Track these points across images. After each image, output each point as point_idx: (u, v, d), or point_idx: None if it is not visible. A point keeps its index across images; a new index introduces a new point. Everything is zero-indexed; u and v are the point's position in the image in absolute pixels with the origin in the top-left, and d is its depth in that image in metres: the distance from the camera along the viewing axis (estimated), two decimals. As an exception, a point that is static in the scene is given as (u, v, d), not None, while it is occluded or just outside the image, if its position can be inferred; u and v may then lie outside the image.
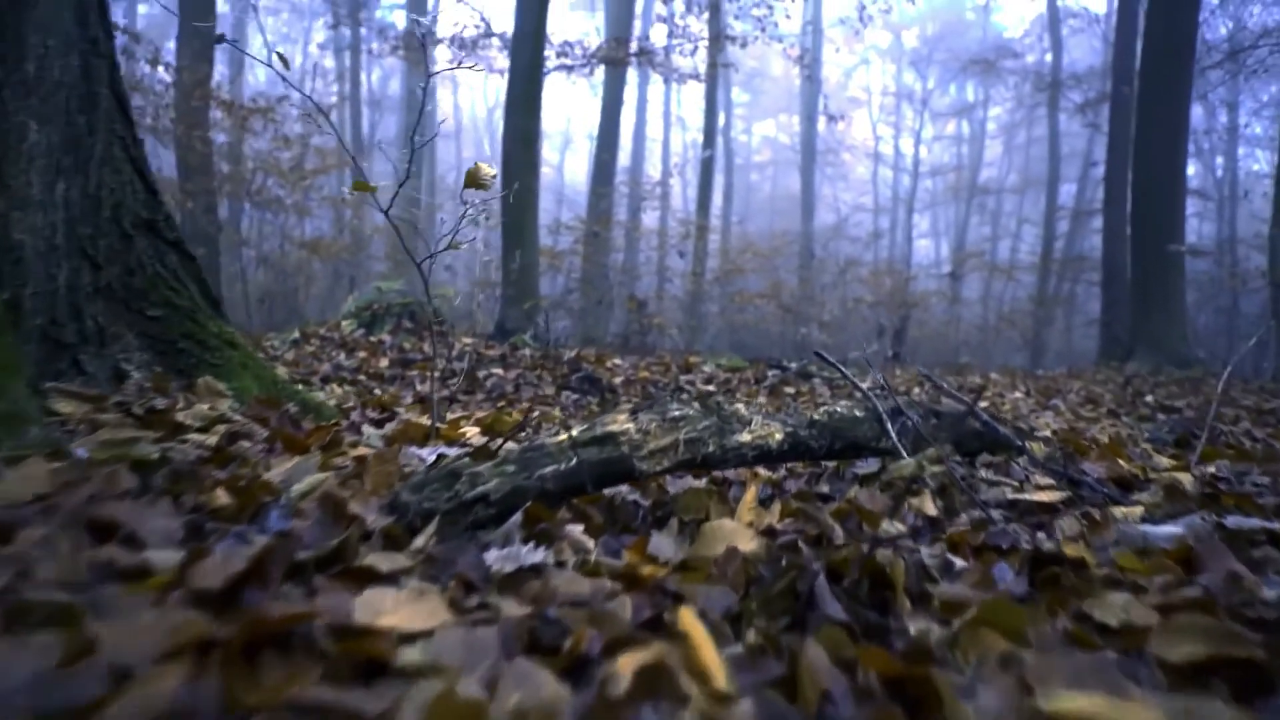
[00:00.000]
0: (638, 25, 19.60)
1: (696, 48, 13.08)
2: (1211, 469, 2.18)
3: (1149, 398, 6.65)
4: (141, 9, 28.76)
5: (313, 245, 15.42)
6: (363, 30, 21.88)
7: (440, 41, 15.09)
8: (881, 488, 1.50)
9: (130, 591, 0.78)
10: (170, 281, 1.87)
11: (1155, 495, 1.72)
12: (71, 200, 1.68)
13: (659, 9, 13.48)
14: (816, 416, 1.51)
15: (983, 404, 4.55)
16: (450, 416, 2.62)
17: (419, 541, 1.03)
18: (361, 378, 5.14)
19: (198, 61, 12.13)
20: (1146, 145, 12.23)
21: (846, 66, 38.30)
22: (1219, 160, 29.64)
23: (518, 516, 1.10)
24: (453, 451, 1.74)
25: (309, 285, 17.52)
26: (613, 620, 0.85)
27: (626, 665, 0.67)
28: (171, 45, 13.27)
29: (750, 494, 1.32)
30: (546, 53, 13.48)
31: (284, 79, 2.00)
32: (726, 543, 1.07)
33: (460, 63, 15.12)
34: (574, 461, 1.21)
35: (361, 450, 1.64)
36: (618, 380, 5.46)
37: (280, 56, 1.85)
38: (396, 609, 0.79)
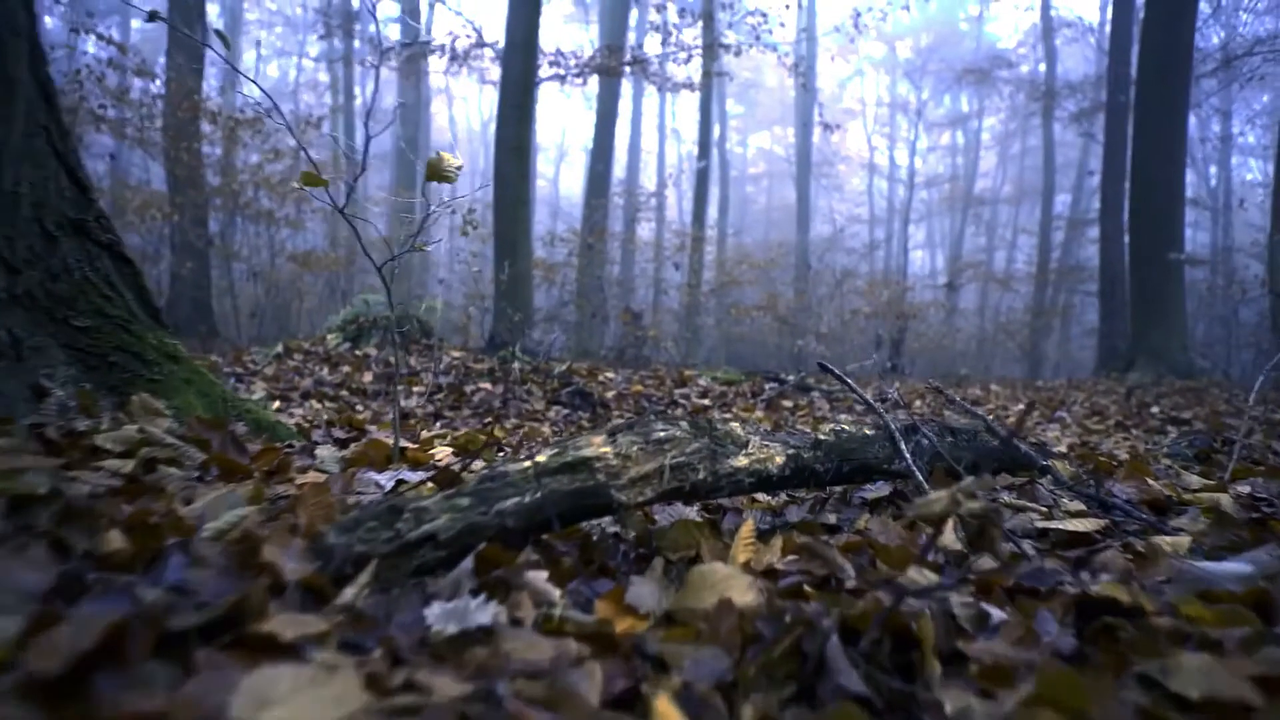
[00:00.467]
0: (631, 37, 19.53)
1: (690, 56, 12.97)
2: (1246, 488, 2.01)
3: (1155, 409, 6.49)
4: (135, 24, 28.71)
5: (304, 258, 15.24)
6: (355, 43, 21.80)
7: (433, 52, 14.97)
8: (905, 524, 1.33)
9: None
10: (102, 288, 1.70)
11: (1197, 521, 1.54)
12: (-20, 198, 1.51)
13: (653, 17, 13.36)
14: (822, 436, 1.34)
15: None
16: (426, 434, 2.44)
17: (347, 594, 0.85)
18: (344, 393, 4.96)
19: (185, 73, 11.99)
20: (1144, 154, 12.14)
21: (841, 78, 38.36)
22: (1213, 170, 29.66)
23: (468, 562, 0.92)
24: (416, 476, 1.56)
25: (302, 299, 17.34)
26: (574, 701, 0.67)
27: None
28: (163, 60, 13.15)
29: (747, 528, 1.14)
30: (539, 62, 13.37)
31: (232, 67, 1.83)
32: (719, 592, 0.89)
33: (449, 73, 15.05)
34: (540, 493, 1.04)
35: (310, 476, 1.46)
36: (610, 395, 5.28)
37: (220, 35, 1.68)
38: (292, 695, 0.62)
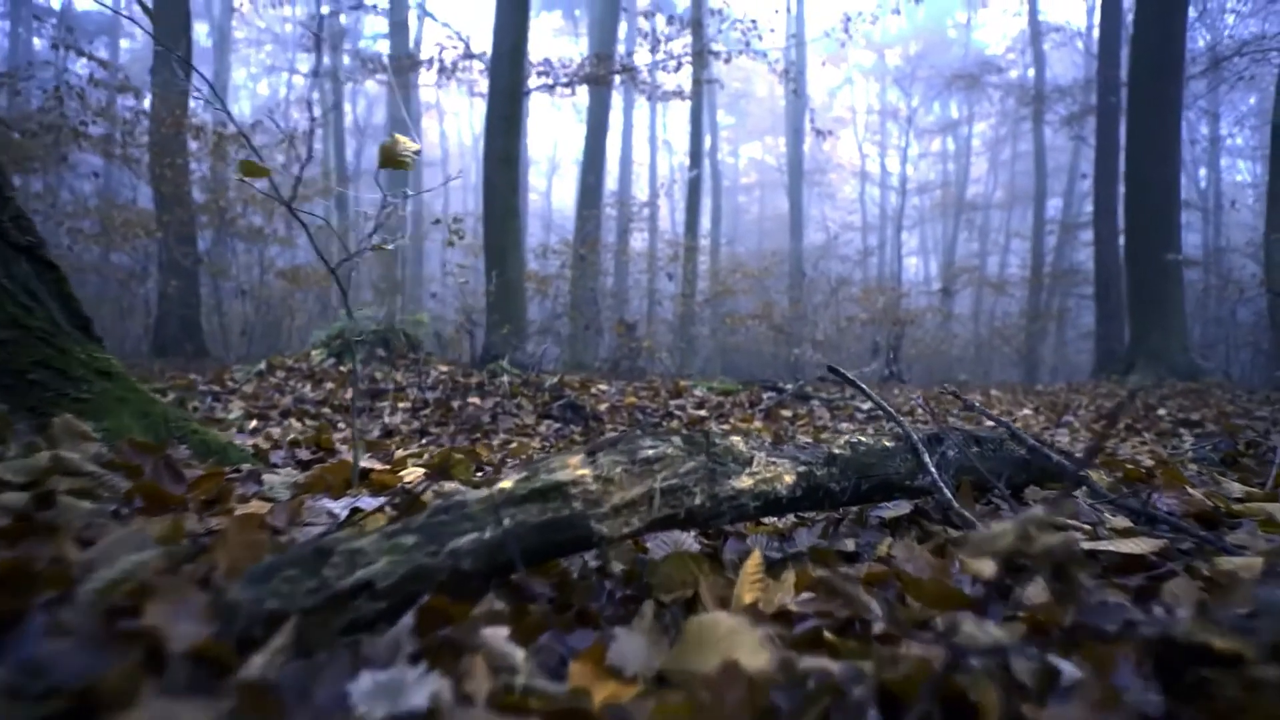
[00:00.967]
0: (621, 49, 19.45)
1: (680, 64, 12.86)
2: (1293, 496, 1.84)
3: (1161, 411, 6.33)
4: (124, 43, 28.61)
5: (292, 274, 15.06)
6: (345, 59, 21.72)
7: (420, 64, 14.85)
8: (933, 549, 1.15)
9: None
10: (19, 296, 1.51)
11: (1255, 536, 1.37)
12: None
13: (642, 25, 13.26)
14: (837, 450, 1.16)
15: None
16: (401, 453, 2.26)
17: (255, 664, 0.67)
18: (325, 411, 4.77)
19: (170, 89, 11.82)
20: (1139, 154, 12.03)
21: (831, 86, 38.43)
22: (1202, 172, 29.71)
23: (409, 618, 0.75)
24: (376, 503, 1.38)
25: (293, 316, 17.16)
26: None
27: None
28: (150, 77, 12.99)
29: (754, 561, 0.97)
30: (527, 72, 13.24)
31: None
32: (723, 651, 0.71)
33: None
34: (504, 526, 0.86)
35: (253, 506, 1.28)
36: (603, 407, 5.10)
37: (145, 9, 1.51)
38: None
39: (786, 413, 5.45)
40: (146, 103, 12.22)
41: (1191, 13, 14.83)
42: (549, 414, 4.90)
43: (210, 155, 13.63)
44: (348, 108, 29.41)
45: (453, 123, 39.74)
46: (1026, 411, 5.82)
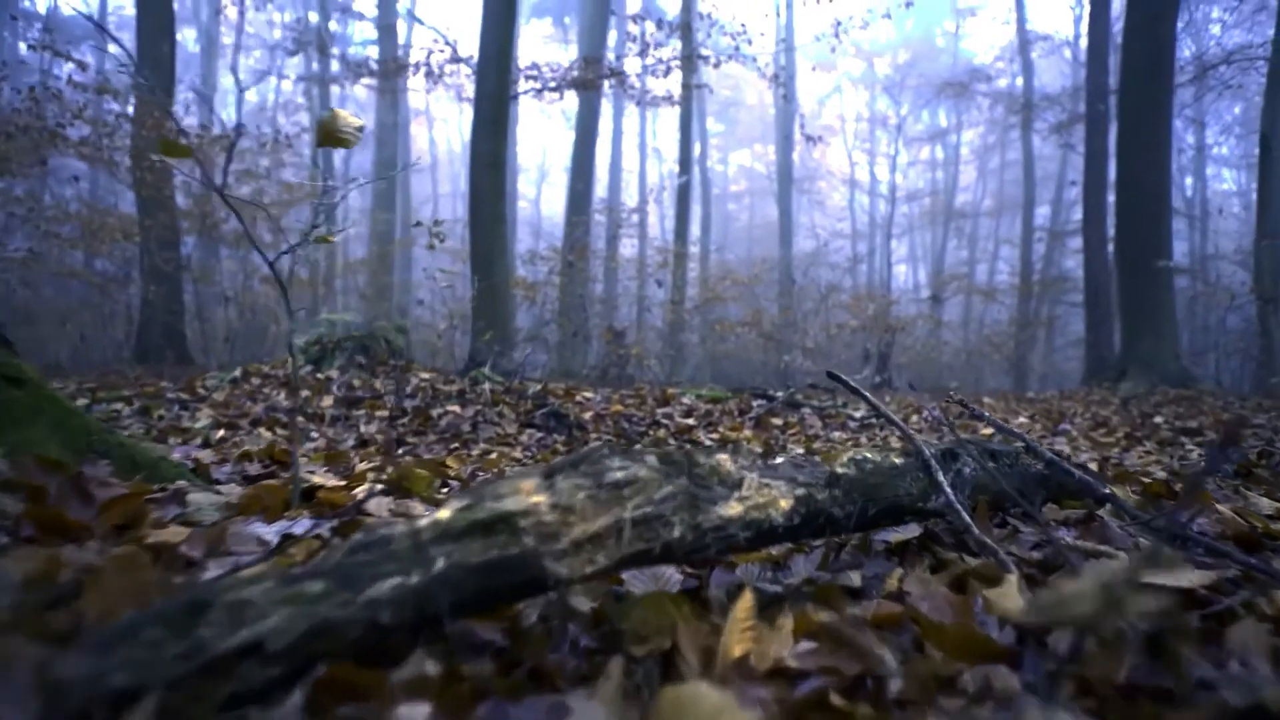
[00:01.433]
0: (611, 57, 19.37)
1: (669, 69, 12.74)
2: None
3: (1158, 419, 6.22)
4: (112, 48, 28.32)
5: (273, 281, 14.86)
6: (335, 65, 21.50)
7: (408, 67, 14.69)
8: (949, 583, 0.99)
9: None
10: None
11: (1306, 562, 1.22)
12: None
13: (631, 29, 13.14)
14: (840, 469, 1.00)
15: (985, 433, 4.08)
16: (360, 467, 2.09)
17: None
18: (299, 419, 4.59)
19: (153, 92, 11.61)
20: (1130, 160, 11.97)
21: (820, 95, 38.45)
22: (1188, 180, 29.87)
23: (298, 696, 0.58)
24: (315, 526, 1.22)
25: (278, 323, 16.94)
26: None
27: None
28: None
29: (744, 605, 0.81)
30: (515, 76, 13.10)
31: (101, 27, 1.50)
32: (704, 736, 0.55)
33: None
34: (436, 568, 0.70)
35: (168, 532, 1.11)
36: (587, 416, 4.93)
37: (98, 26, 1.35)
38: None
39: (777, 421, 5.29)
40: (130, 107, 12.01)
41: (1178, 23, 14.85)
42: (531, 423, 4.73)
43: (196, 161, 13.37)
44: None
45: (442, 129, 39.60)
46: (1022, 419, 5.68)
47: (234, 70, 24.24)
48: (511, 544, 0.74)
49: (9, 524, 1.04)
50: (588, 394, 5.81)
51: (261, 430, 4.10)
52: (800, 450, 3.67)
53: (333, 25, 23.20)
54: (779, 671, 0.75)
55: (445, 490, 1.86)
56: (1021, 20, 26.74)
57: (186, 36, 30.00)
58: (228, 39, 31.19)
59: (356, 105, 33.24)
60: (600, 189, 28.73)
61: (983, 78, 26.89)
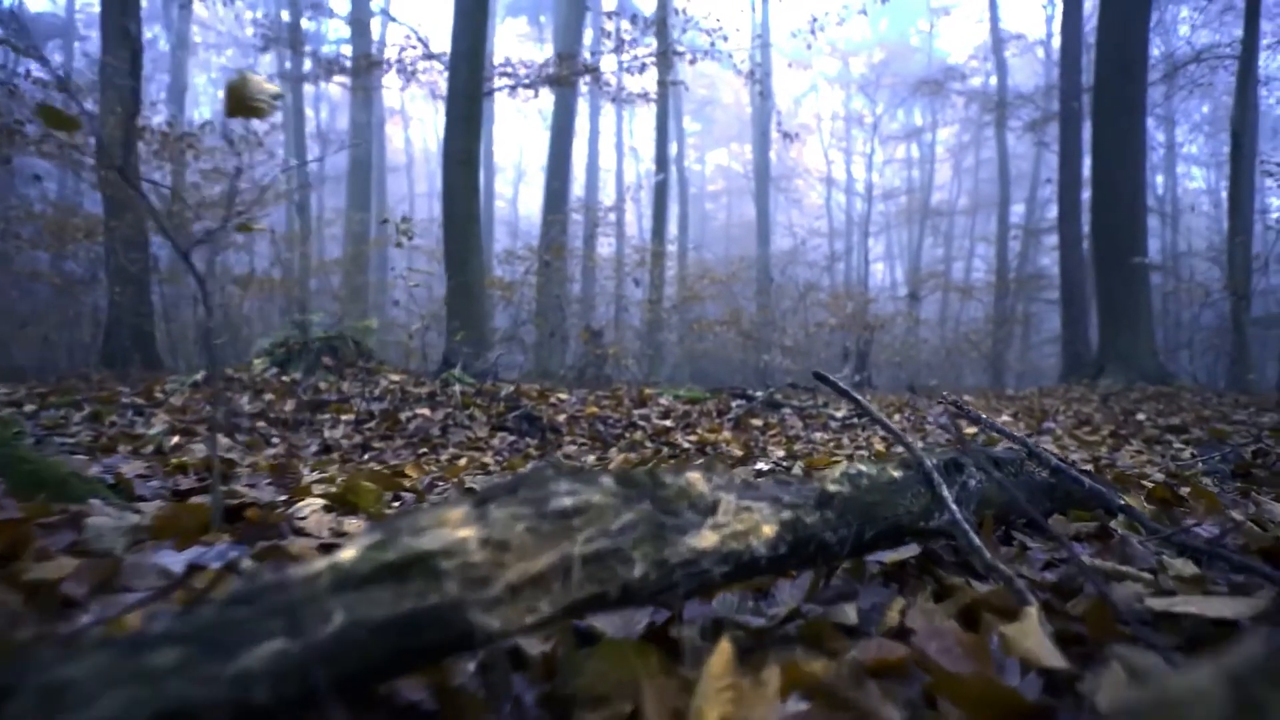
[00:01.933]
0: (587, 56, 19.21)
1: (645, 65, 12.60)
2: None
3: (1141, 416, 6.16)
4: (78, 45, 27.77)
5: (244, 281, 14.53)
6: (306, 64, 21.14)
7: (380, 64, 14.44)
8: (957, 614, 0.86)
9: None
10: None
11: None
12: None
13: (606, 25, 12.99)
14: (832, 487, 0.86)
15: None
16: (309, 478, 1.93)
17: None
18: (260, 424, 4.41)
19: (116, 91, 11.30)
20: (1105, 158, 11.98)
21: (796, 94, 38.48)
22: (1159, 179, 30.21)
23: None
24: (231, 553, 1.06)
25: (251, 325, 16.65)
26: None
27: None
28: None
29: (720, 659, 0.67)
30: (489, 73, 12.91)
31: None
32: None
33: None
34: (331, 627, 0.55)
35: (55, 565, 0.95)
36: (561, 418, 4.78)
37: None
38: None
39: (757, 422, 5.17)
40: (93, 104, 11.68)
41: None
42: (503, 426, 4.58)
43: (169, 156, 13.07)
44: (309, 113, 28.80)
45: (418, 129, 39.28)
46: (1006, 418, 5.59)
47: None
48: (430, 592, 0.59)
49: None
50: (562, 395, 5.66)
51: (219, 437, 3.91)
52: (781, 452, 3.55)
53: (306, 23, 22.83)
54: (764, 741, 0.61)
55: (398, 504, 1.70)
56: (995, 20, 26.88)
57: (158, 35, 29.51)
58: (199, 37, 30.73)
59: (330, 105, 32.89)
60: (577, 188, 28.56)
61: (957, 76, 27.00)
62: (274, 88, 1.11)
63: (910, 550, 1.09)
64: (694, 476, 0.74)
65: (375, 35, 22.54)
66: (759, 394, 5.87)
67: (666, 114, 18.39)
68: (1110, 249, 11.61)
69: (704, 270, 19.36)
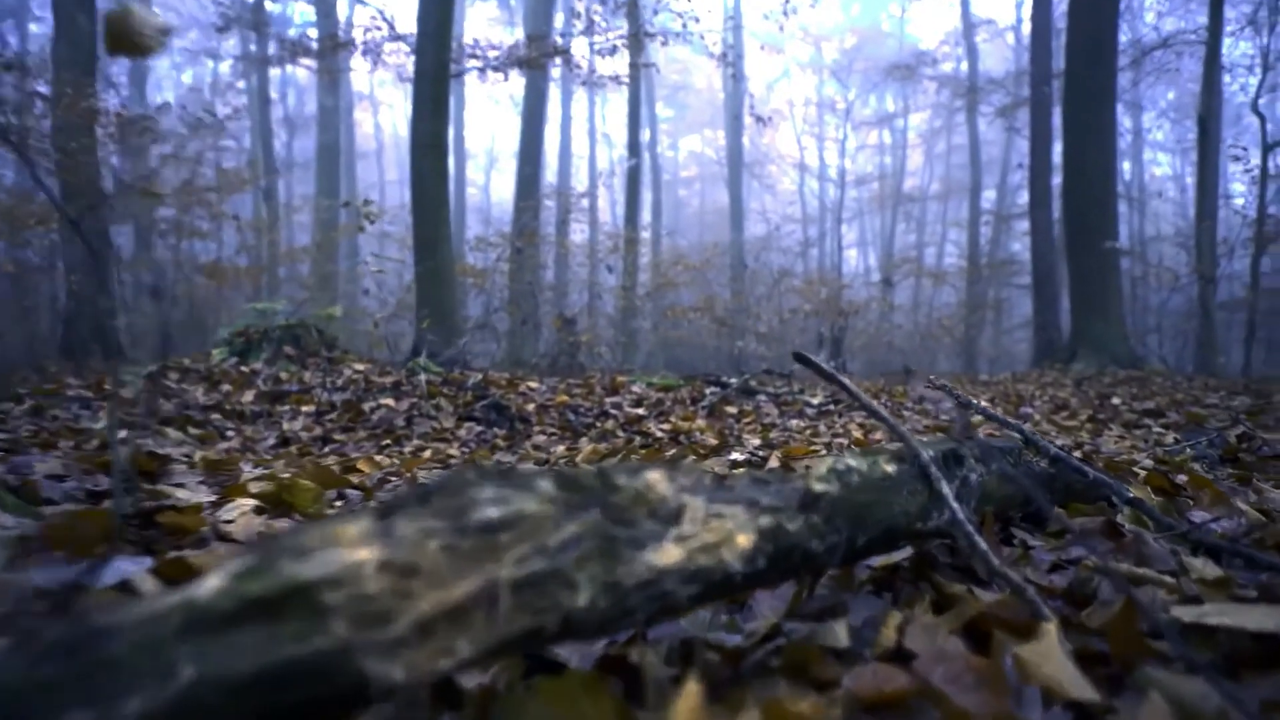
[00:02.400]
0: (559, 41, 18.94)
1: (616, 48, 12.41)
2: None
3: (1116, 400, 6.13)
4: (34, 27, 26.96)
5: (209, 270, 14.19)
6: (272, 48, 20.65)
7: (345, 45, 14.11)
8: (959, 628, 0.74)
9: None
10: None
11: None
12: None
13: (577, 6, 12.78)
14: (818, 486, 0.72)
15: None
16: (248, 475, 1.79)
17: None
18: (215, 417, 4.23)
19: (72, 74, 10.92)
20: (1076, 142, 11.99)
21: (769, 79, 38.35)
22: (1125, 165, 30.52)
23: None
24: (137, 567, 0.92)
25: (217, 315, 16.29)
26: None
27: None
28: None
29: (688, 702, 0.54)
30: (458, 55, 12.65)
31: None
32: None
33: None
34: (177, 686, 0.42)
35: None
36: (531, 407, 4.64)
37: None
38: None
39: (732, 409, 5.06)
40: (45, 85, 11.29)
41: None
42: (471, 416, 4.43)
43: (113, 140, 12.68)
44: (275, 96, 28.20)
45: (388, 114, 38.75)
46: (983, 403, 5.52)
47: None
48: (310, 634, 0.46)
49: None
50: (533, 384, 5.51)
51: (170, 430, 3.73)
52: (756, 441, 3.43)
53: (271, 5, 22.31)
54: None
55: (341, 503, 1.56)
56: (965, 5, 26.93)
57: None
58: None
59: (298, 89, 32.26)
60: (550, 174, 28.27)
61: (929, 62, 27.01)
62: (160, 21, 0.96)
63: (903, 552, 0.97)
64: (654, 477, 0.61)
65: (341, 17, 22.07)
66: (733, 381, 5.77)
67: (639, 99, 18.22)
68: (1081, 233, 11.63)
69: (678, 257, 19.24)
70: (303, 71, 23.81)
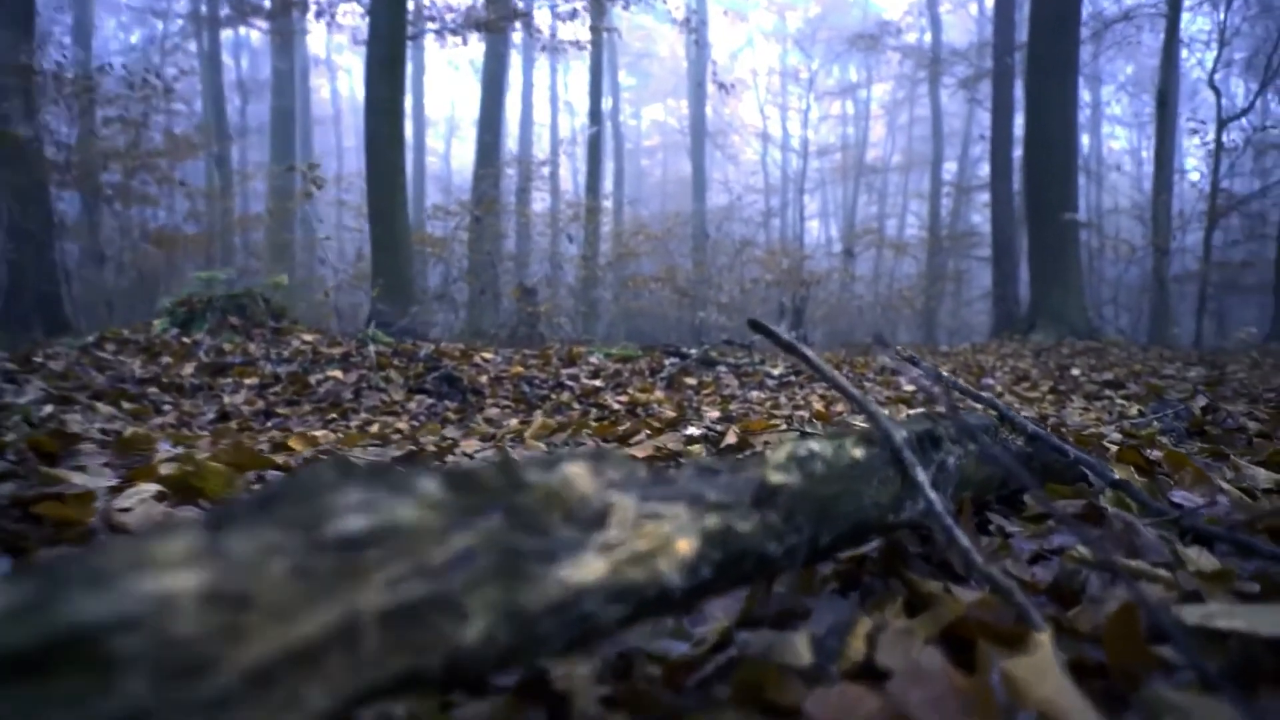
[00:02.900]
0: (519, 4, 18.49)
1: (576, 12, 12.13)
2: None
3: (1075, 371, 6.15)
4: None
5: (156, 238, 13.71)
6: (224, 10, 19.85)
7: (296, 4, 13.62)
8: (936, 636, 0.64)
9: None
10: None
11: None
12: None
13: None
14: (775, 476, 0.60)
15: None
16: (162, 455, 1.64)
17: None
18: (151, 390, 4.03)
19: (11, 34, 10.37)
20: (1039, 112, 11.99)
21: (733, 49, 38.02)
22: (1085, 138, 30.87)
23: None
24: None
25: (167, 284, 15.79)
26: None
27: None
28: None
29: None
30: (415, 17, 12.28)
31: None
32: None
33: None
34: None
35: None
36: (484, 379, 4.50)
37: None
38: None
39: (691, 381, 4.97)
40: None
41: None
42: (422, 388, 4.28)
43: (56, 103, 12.13)
44: (228, 60, 27.27)
45: (345, 80, 37.79)
46: (944, 373, 5.49)
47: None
48: (93, 696, 0.34)
49: None
50: (487, 355, 5.36)
51: (100, 405, 3.54)
52: (716, 413, 3.33)
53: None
54: None
55: (257, 485, 1.43)
56: (930, -28, 26.85)
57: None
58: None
59: (251, 52, 31.26)
60: (511, 143, 27.81)
61: (892, 32, 26.90)
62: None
63: (869, 543, 0.87)
64: (574, 471, 0.49)
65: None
66: (693, 351, 5.67)
67: (601, 65, 17.91)
68: (1042, 205, 11.68)
69: (639, 226, 19.07)
70: (256, 33, 23.04)
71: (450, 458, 1.87)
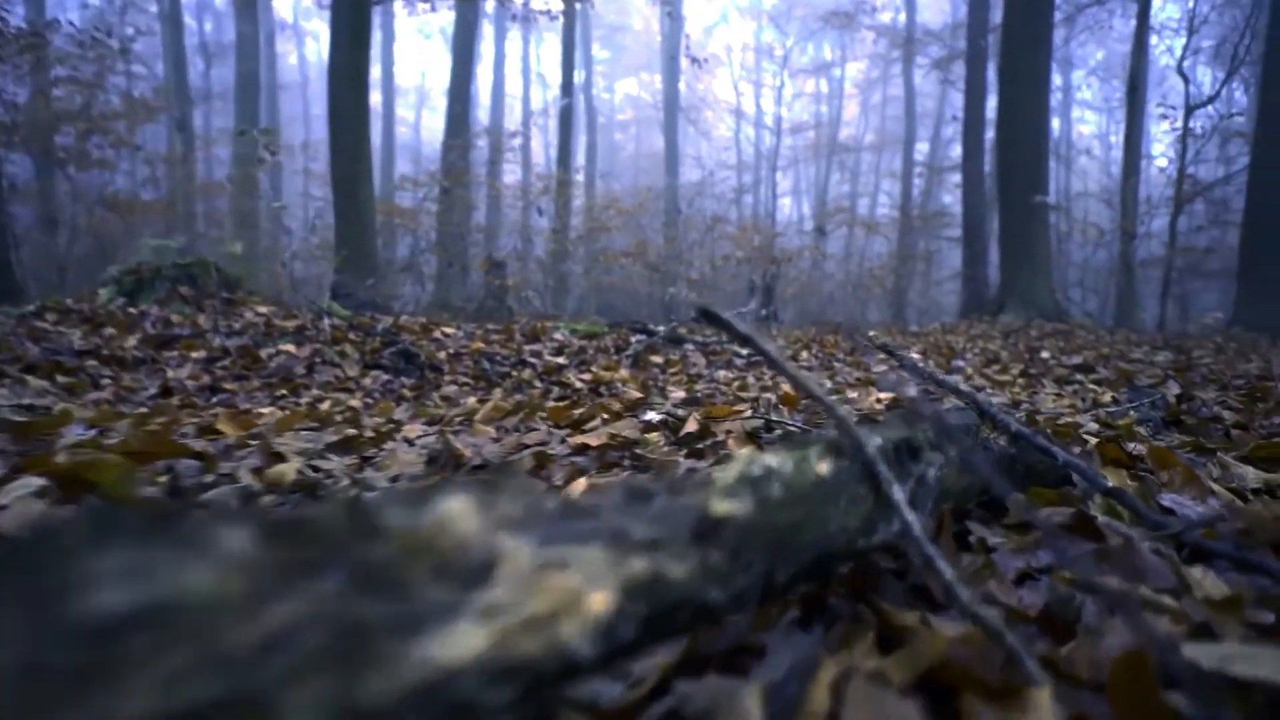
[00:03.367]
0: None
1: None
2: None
3: (1045, 354, 6.12)
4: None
5: (110, 203, 13.29)
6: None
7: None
8: (913, 680, 0.53)
9: None
10: None
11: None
12: None
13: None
14: (721, 506, 0.47)
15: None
16: (71, 438, 1.49)
17: None
18: (91, 364, 3.84)
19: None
20: (1010, 98, 11.96)
21: (707, 24, 37.67)
22: (1055, 122, 31.05)
23: None
24: None
25: (125, 251, 15.34)
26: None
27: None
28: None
29: None
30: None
31: None
32: None
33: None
34: None
35: None
36: (443, 355, 4.36)
37: None
38: None
39: (657, 359, 4.86)
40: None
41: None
42: (378, 364, 4.13)
43: (2, 60, 11.66)
44: (191, 23, 26.49)
45: (313, 46, 36.95)
46: (914, 355, 5.44)
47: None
48: None
49: None
50: (449, 329, 5.21)
51: (31, 379, 3.35)
52: (681, 394, 3.22)
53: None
54: None
55: (167, 478, 1.29)
56: (905, -48, 26.72)
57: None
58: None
59: (214, 14, 30.39)
60: (483, 114, 27.36)
61: (868, 10, 26.77)
62: None
63: (837, 572, 0.76)
64: (452, 509, 0.37)
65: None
66: (661, 329, 5.56)
67: (573, 36, 17.61)
68: (1014, 186, 11.67)
69: (611, 200, 18.85)
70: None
71: (390, 444, 1.74)
